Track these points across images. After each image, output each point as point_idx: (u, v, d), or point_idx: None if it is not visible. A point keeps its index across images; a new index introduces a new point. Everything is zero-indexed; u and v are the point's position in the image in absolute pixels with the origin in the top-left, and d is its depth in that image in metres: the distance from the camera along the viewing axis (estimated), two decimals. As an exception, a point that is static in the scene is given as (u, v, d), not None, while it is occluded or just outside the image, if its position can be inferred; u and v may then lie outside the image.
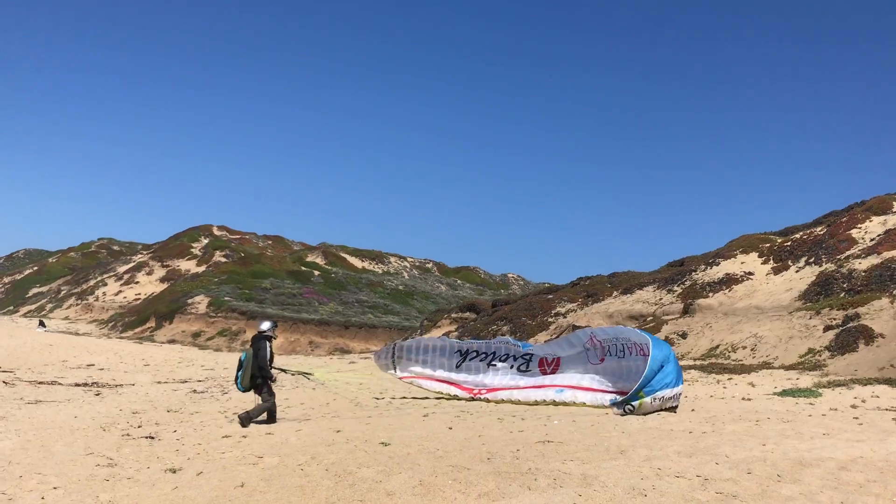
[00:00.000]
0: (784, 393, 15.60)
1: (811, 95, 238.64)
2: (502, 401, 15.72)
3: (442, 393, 16.94)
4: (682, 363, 23.04)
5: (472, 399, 16.34)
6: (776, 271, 30.57)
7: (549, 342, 18.44)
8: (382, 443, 10.02)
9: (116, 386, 19.20)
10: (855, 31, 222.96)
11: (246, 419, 12.07)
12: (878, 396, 14.39)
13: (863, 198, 34.70)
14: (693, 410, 13.17)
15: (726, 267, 32.92)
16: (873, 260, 25.97)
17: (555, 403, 14.99)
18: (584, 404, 14.68)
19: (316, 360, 37.80)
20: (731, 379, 18.84)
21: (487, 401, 15.91)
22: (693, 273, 34.52)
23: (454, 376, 17.33)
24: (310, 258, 77.48)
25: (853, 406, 13.24)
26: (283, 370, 14.10)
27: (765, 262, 32.02)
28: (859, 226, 30.30)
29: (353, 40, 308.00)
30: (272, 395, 12.57)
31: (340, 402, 16.05)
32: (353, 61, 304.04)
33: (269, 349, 12.59)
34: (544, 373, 16.45)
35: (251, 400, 16.44)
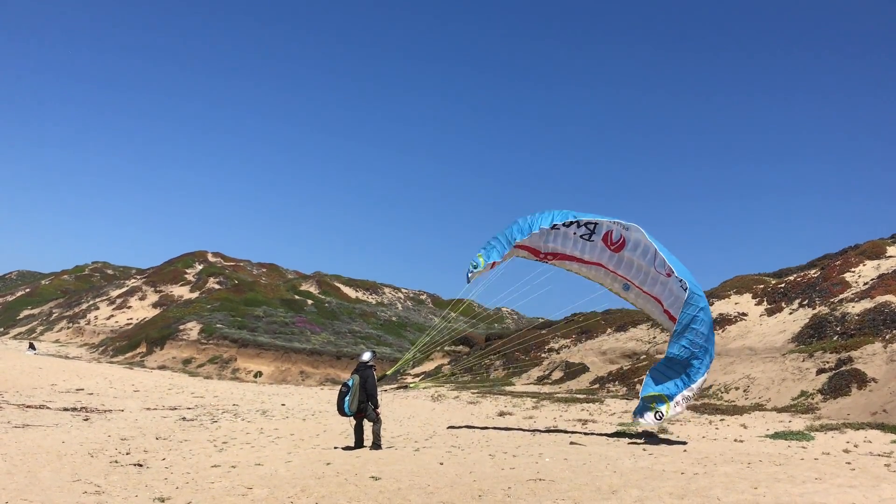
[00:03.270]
0: (776, 435, 15.55)
1: (809, 134, 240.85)
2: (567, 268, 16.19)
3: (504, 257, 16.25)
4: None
5: (538, 259, 16.38)
6: (770, 313, 30.65)
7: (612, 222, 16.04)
8: (373, 477, 9.94)
9: (105, 411, 19.03)
10: (857, 62, 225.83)
11: (376, 445, 13.09)
12: (870, 441, 14.36)
13: (857, 242, 34.98)
14: (685, 451, 13.12)
15: (720, 307, 33.00)
16: (866, 304, 26.09)
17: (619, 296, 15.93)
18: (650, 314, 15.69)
19: (307, 390, 37.47)
20: (723, 420, 18.77)
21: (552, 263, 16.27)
22: (687, 312, 34.51)
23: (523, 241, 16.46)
24: (303, 287, 77.27)
25: (845, 451, 13.21)
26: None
27: (758, 304, 32.12)
28: (853, 269, 30.48)
29: (352, 64, 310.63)
30: (378, 418, 13.36)
31: (330, 433, 15.94)
32: (351, 82, 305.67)
33: (375, 378, 13.45)
34: (606, 246, 15.84)
35: (240, 430, 16.33)
